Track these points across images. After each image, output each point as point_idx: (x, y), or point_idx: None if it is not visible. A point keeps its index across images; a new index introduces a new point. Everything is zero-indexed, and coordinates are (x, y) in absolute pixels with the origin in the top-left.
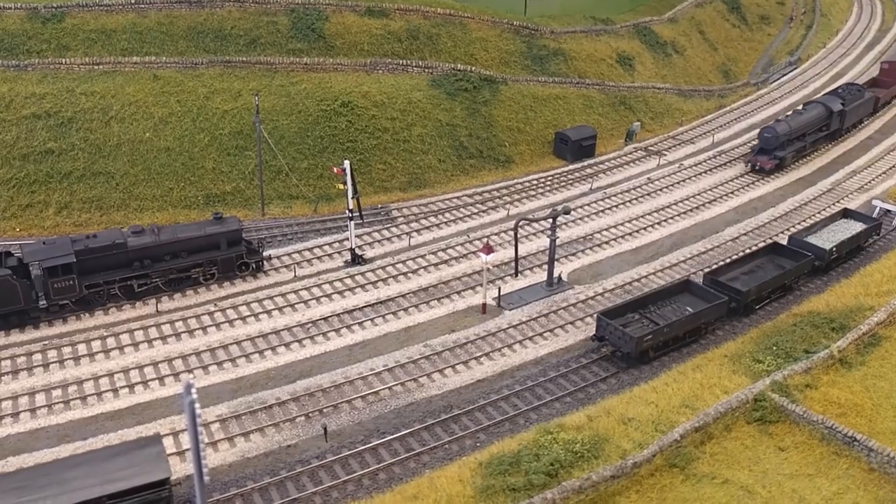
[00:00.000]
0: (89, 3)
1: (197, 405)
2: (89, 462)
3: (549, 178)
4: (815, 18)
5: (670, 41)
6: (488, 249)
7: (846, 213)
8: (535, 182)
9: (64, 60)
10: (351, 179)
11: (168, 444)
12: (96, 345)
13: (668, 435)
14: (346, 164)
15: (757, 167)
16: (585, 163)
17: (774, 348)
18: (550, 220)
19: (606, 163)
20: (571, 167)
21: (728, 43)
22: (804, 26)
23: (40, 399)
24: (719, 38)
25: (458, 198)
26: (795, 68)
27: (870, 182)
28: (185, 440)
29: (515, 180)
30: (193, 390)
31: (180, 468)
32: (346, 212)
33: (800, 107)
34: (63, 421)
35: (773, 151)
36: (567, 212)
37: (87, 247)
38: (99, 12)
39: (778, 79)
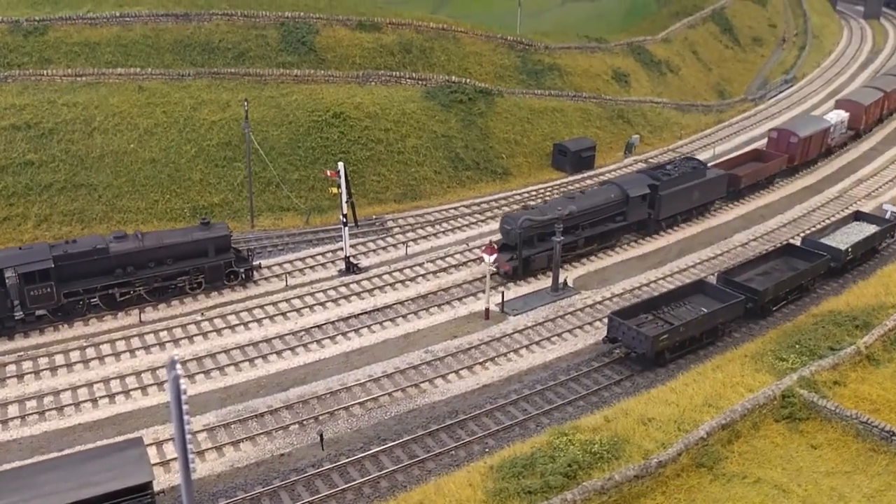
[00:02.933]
0: (73, 17)
1: (182, 382)
2: (65, 465)
3: (549, 189)
4: (807, 40)
5: (664, 60)
6: (492, 250)
7: (858, 216)
8: (534, 193)
9: (45, 72)
10: (345, 182)
11: (152, 453)
12: (75, 355)
13: (694, 433)
14: (340, 165)
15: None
16: (585, 174)
17: (797, 346)
18: (555, 223)
19: (607, 174)
20: (571, 178)
21: (722, 63)
22: (797, 47)
23: (13, 410)
24: (713, 58)
25: (454, 208)
26: (791, 86)
27: None
28: (170, 450)
29: (514, 191)
30: (178, 367)
31: (164, 479)
32: (340, 217)
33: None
34: (37, 432)
35: (515, 250)
36: (571, 215)
37: (66, 252)
38: (83, 25)
39: (775, 95)
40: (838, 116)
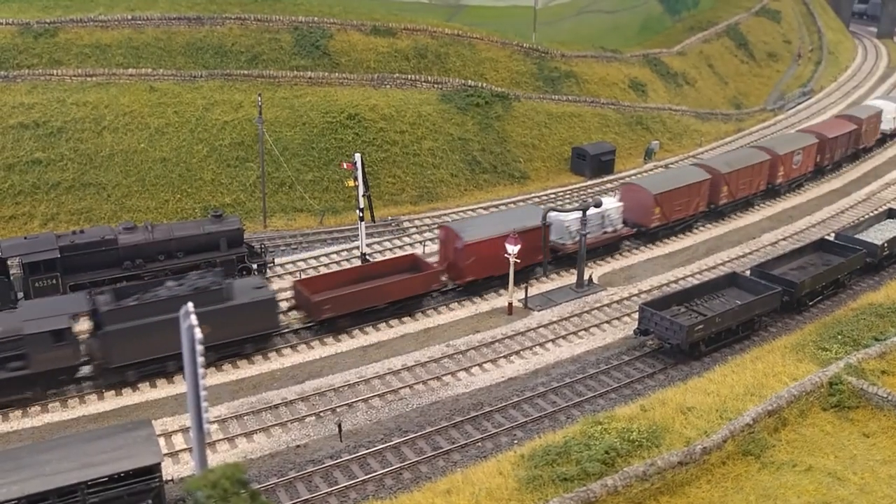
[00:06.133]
0: (84, 19)
1: (197, 330)
2: (67, 445)
3: (569, 192)
4: (822, 56)
5: (681, 72)
6: (515, 240)
7: (891, 214)
8: (553, 196)
9: (55, 72)
10: (362, 175)
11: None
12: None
13: (739, 419)
14: (357, 156)
15: None
16: (605, 178)
17: (839, 336)
18: (580, 213)
19: (627, 178)
20: (590, 182)
21: (738, 77)
22: (813, 63)
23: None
24: (728, 72)
25: (472, 209)
26: (809, 98)
27: None
28: (179, 441)
29: (532, 194)
30: (193, 317)
31: (173, 470)
32: (357, 211)
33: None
34: (39, 424)
35: None
36: (598, 204)
37: (72, 242)
38: (94, 28)
39: (793, 106)
40: (606, 207)
